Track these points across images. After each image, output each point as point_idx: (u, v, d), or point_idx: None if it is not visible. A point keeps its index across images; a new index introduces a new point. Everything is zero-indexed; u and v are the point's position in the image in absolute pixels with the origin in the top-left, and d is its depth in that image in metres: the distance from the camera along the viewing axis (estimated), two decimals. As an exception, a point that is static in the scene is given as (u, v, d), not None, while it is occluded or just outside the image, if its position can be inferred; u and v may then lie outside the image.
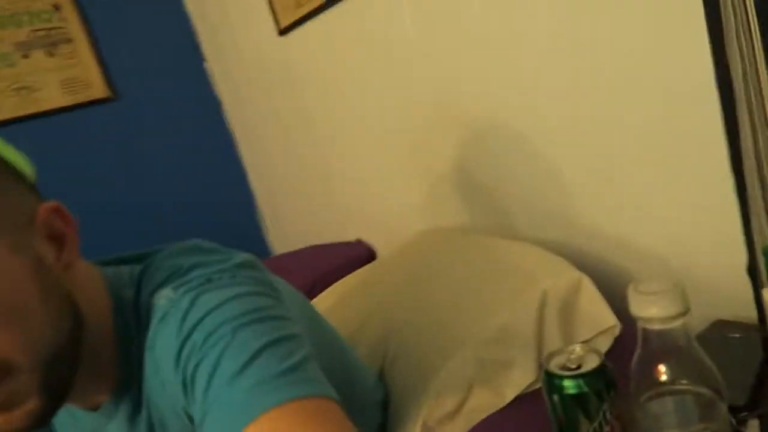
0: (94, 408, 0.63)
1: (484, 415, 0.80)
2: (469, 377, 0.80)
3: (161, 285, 0.59)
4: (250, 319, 0.53)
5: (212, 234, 0.73)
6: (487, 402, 0.80)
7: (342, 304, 1.17)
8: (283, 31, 1.64)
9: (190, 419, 0.56)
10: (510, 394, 0.80)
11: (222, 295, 0.55)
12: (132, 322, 0.60)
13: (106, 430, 0.64)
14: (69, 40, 1.99)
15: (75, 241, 0.57)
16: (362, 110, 1.52)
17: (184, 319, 0.54)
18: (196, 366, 0.52)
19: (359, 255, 1.56)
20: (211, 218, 2.19)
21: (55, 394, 0.53)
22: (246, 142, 2.29)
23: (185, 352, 0.53)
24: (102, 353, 0.59)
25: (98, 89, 2.04)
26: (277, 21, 1.65)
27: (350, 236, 1.76)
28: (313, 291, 1.35)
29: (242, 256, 0.63)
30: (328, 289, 1.29)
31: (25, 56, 1.93)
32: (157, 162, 2.18)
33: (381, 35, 1.33)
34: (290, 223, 2.22)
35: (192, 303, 0.55)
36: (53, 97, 1.96)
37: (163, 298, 0.58)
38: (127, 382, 0.61)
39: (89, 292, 0.59)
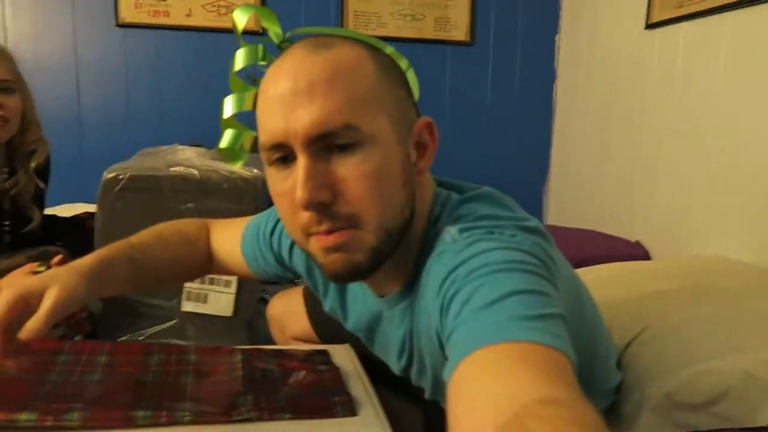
0: (381, 295, 0.76)
1: (726, 425, 0.81)
2: (728, 384, 0.82)
3: (454, 222, 0.67)
4: (510, 267, 0.57)
5: (494, 185, 0.76)
6: (736, 414, 0.81)
7: (605, 280, 1.23)
8: (652, 26, 1.68)
9: (440, 345, 0.62)
10: (762, 420, 0.80)
11: (494, 245, 0.60)
12: (429, 240, 0.69)
13: (384, 314, 0.78)
14: (455, -14, 2.33)
15: (433, 154, 0.69)
16: (714, 124, 1.48)
17: (456, 255, 0.61)
18: (454, 295, 0.57)
19: (635, 255, 1.58)
20: (502, 169, 2.40)
21: (376, 260, 0.65)
22: (562, 118, 2.40)
23: (448, 282, 0.59)
24: (408, 252, 0.70)
25: (461, 32, 2.35)
26: (649, 14, 1.69)
27: (627, 237, 1.77)
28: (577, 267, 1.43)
29: (532, 222, 0.67)
30: (597, 266, 1.36)
31: (421, -11, 2.32)
32: (482, 109, 2.45)
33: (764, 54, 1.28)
34: (571, 205, 2.29)
35: (468, 245, 0.61)
36: (426, 29, 2.32)
37: (449, 234, 0.65)
38: (411, 288, 0.71)
39: (423, 200, 0.70)
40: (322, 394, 0.90)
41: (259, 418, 0.81)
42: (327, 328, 1.14)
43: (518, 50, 2.43)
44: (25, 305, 0.73)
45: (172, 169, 1.32)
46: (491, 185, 0.74)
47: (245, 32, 0.76)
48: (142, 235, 0.96)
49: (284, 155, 0.63)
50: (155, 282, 0.98)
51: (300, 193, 0.60)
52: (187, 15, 2.27)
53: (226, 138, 0.73)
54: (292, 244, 0.90)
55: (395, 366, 0.82)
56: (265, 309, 1.71)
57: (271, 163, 0.65)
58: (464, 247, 0.61)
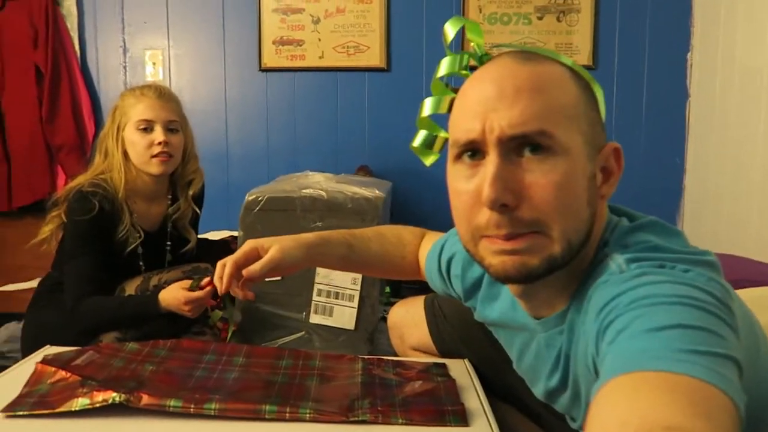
0: (536, 317, 0.75)
1: None
2: None
3: (622, 250, 0.64)
4: (677, 301, 0.52)
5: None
6: None
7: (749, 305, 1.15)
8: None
9: (596, 372, 0.59)
10: None
11: (664, 278, 0.57)
12: (595, 265, 0.67)
13: (538, 336, 0.76)
14: (577, 11, 2.31)
15: (617, 181, 0.68)
16: None
17: (620, 284, 0.58)
18: (611, 321, 0.55)
19: (783, 281, 1.44)
20: (632, 194, 2.30)
21: (550, 268, 0.63)
22: (697, 138, 2.26)
23: (607, 308, 0.57)
24: (575, 275, 0.68)
25: (584, 57, 2.32)
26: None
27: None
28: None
29: (707, 256, 0.63)
30: (740, 290, 1.27)
31: (540, 18, 2.33)
32: (608, 132, 2.38)
33: None
34: (709, 230, 2.14)
35: (634, 277, 0.58)
36: (546, 56, 2.33)
37: (616, 263, 0.62)
38: (569, 311, 0.69)
39: (598, 225, 0.68)
40: (436, 403, 0.92)
41: (374, 421, 0.86)
42: (447, 342, 1.17)
43: (645, 72, 2.35)
44: (256, 254, 0.98)
45: (303, 191, 1.44)
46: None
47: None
48: (365, 229, 1.10)
49: (473, 153, 0.64)
50: (364, 268, 1.11)
51: (487, 191, 0.60)
52: (320, 57, 2.46)
53: (420, 137, 0.79)
54: (449, 261, 0.95)
55: (542, 387, 0.80)
56: (386, 326, 1.78)
57: (458, 160, 0.66)
58: (630, 278, 0.58)
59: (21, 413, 0.85)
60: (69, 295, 1.43)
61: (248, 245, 0.98)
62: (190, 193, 1.62)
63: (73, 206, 1.45)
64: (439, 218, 2.52)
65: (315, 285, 1.45)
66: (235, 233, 2.04)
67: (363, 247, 1.06)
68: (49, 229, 1.53)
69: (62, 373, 0.94)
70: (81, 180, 1.50)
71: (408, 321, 1.23)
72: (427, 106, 0.77)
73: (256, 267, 0.96)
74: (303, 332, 1.47)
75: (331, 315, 1.46)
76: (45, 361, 1.00)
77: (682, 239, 0.67)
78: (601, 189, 0.67)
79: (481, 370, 1.10)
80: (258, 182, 1.80)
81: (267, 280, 1.40)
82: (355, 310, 1.45)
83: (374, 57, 2.44)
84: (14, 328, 1.97)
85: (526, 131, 0.61)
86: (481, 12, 2.37)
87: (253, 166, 2.53)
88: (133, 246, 1.50)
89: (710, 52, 2.15)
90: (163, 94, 1.55)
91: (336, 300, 1.46)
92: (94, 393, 0.86)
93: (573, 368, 0.71)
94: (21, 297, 2.34)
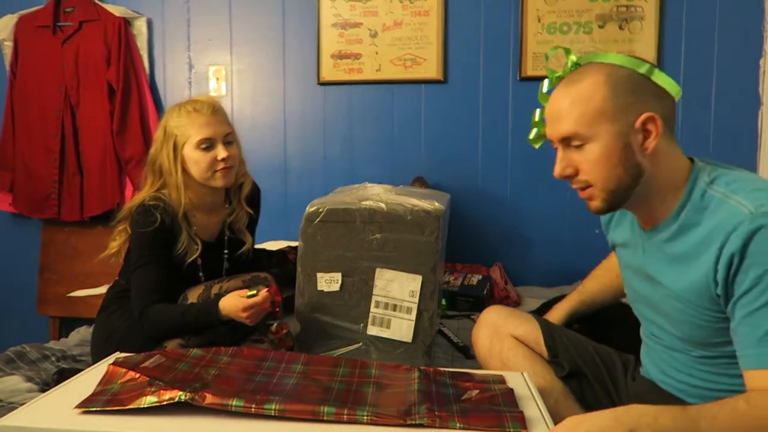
0: (646, 230, 1.05)
1: None
2: None
3: (736, 190, 0.90)
4: None
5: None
6: None
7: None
8: None
9: (714, 279, 0.89)
10: None
11: None
12: (696, 192, 0.95)
13: (645, 245, 1.06)
14: (641, 18, 2.26)
15: (657, 136, 0.94)
16: None
17: (753, 223, 0.84)
18: (748, 267, 0.84)
19: None
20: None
21: (609, 205, 1.00)
22: (769, 151, 2.16)
23: (749, 248, 0.84)
24: (666, 196, 0.99)
25: (647, 65, 2.26)
26: None
27: None
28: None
29: None
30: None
31: (601, 27, 2.29)
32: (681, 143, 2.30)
33: None
34: None
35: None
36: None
37: (737, 202, 0.88)
38: (668, 225, 0.99)
39: (668, 164, 0.98)
40: (494, 410, 0.92)
41: (431, 425, 0.87)
42: (556, 340, 1.26)
43: (713, 80, 2.26)
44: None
45: (363, 203, 1.45)
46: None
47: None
48: (601, 265, 1.44)
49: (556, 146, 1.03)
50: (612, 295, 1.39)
51: (555, 170, 1.02)
52: (377, 70, 2.50)
53: (533, 133, 1.15)
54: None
55: (637, 283, 1.12)
56: (442, 340, 1.76)
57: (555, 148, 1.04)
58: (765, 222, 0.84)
59: (94, 409, 0.89)
60: (135, 303, 1.48)
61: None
62: (242, 195, 1.65)
63: (137, 219, 1.50)
64: (492, 230, 2.49)
65: (373, 297, 1.45)
66: (293, 243, 2.08)
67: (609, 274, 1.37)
68: (117, 244, 1.58)
69: (132, 374, 0.98)
70: (142, 196, 1.55)
71: (513, 316, 1.32)
72: (537, 114, 1.14)
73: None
74: (360, 343, 1.47)
75: (388, 327, 1.46)
76: (116, 362, 1.04)
77: None
78: (644, 144, 0.96)
79: (588, 376, 1.22)
80: (315, 194, 1.82)
81: (326, 290, 1.44)
82: (413, 322, 1.44)
83: (431, 69, 2.45)
84: (85, 332, 2.06)
85: (564, 135, 0.99)
86: (539, 21, 2.35)
87: (310, 178, 2.58)
88: (192, 258, 1.54)
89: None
90: (216, 109, 1.57)
91: (394, 312, 1.45)
92: (162, 392, 0.90)
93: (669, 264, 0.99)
94: (91, 302, 2.46)
